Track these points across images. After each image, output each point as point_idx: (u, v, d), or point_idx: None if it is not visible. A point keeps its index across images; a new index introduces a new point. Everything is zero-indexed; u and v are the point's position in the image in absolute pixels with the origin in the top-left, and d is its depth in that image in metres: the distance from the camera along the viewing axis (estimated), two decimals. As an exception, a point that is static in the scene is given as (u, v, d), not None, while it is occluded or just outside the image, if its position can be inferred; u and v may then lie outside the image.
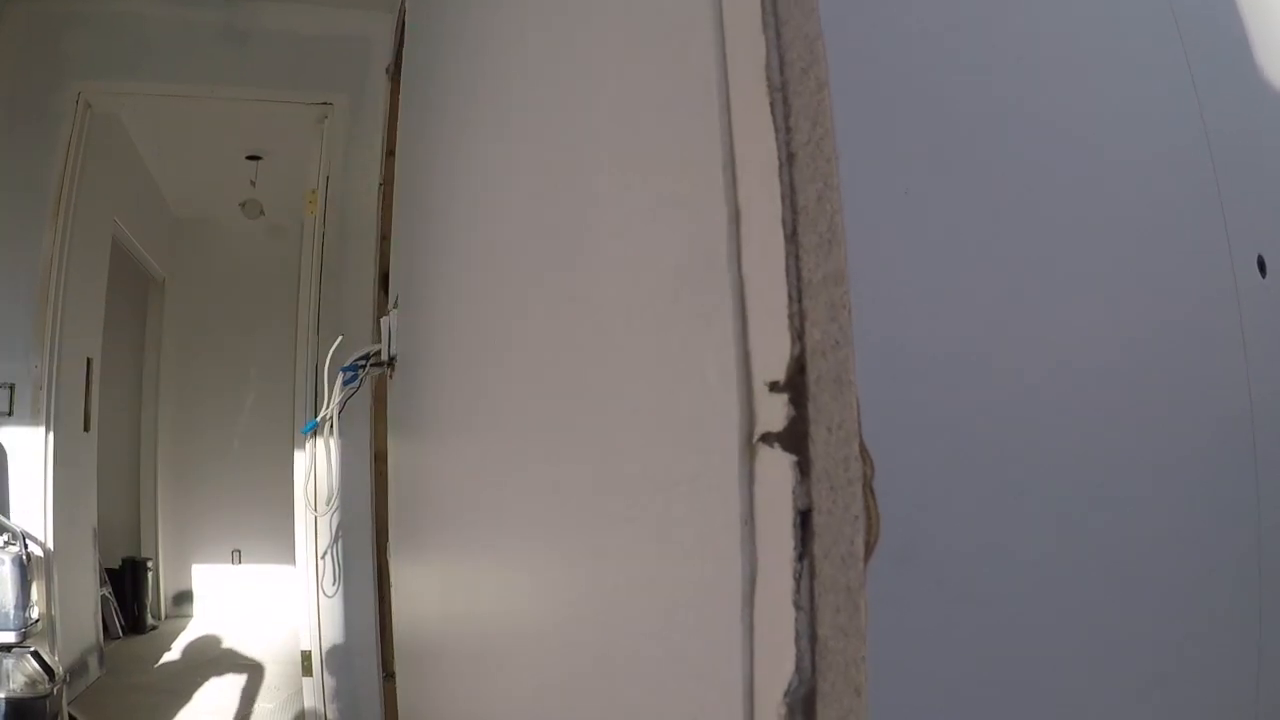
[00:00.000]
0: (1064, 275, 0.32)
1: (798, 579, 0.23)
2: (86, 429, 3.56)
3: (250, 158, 4.51)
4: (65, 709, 2.85)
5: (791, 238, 0.25)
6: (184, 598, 5.53)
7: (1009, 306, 0.30)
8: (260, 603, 5.37)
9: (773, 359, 0.25)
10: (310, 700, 2.98)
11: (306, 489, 2.45)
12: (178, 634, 4.93)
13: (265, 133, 4.18)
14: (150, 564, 5.10)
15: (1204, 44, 0.44)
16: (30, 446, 2.93)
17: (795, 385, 0.25)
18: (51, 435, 2.97)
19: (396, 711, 2.56)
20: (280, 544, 5.30)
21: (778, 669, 0.23)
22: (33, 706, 2.70)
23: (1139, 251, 0.34)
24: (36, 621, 2.78)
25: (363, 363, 1.79)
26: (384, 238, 3.13)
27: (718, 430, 0.26)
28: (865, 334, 0.25)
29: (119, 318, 4.20)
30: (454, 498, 0.90)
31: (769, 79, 0.27)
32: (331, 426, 1.95)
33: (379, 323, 1.79)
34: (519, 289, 0.62)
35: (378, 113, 3.06)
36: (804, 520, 0.23)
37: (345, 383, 1.82)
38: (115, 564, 4.80)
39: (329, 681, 2.96)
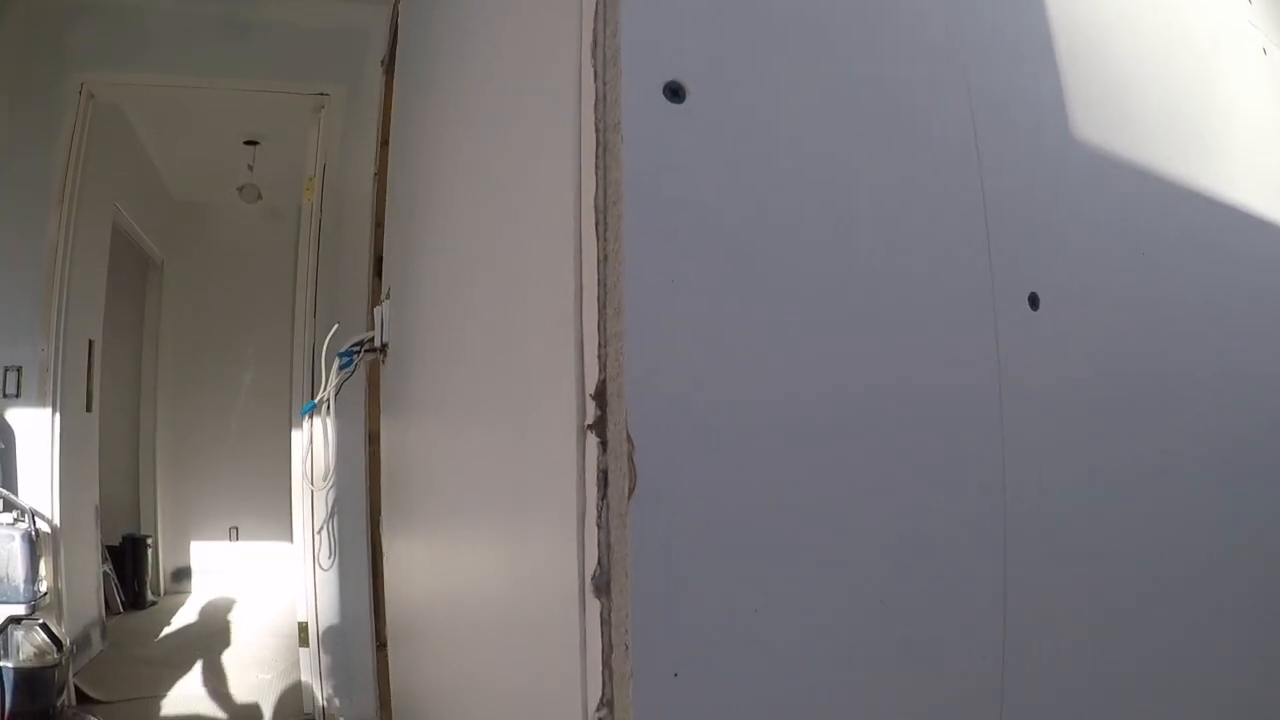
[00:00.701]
0: (795, 321, 0.45)
1: (599, 511, 0.37)
2: (89, 409, 3.68)
3: (248, 143, 4.60)
4: (70, 679, 2.98)
5: (603, 308, 0.38)
6: (183, 574, 5.67)
7: (734, 349, 0.43)
8: (257, 578, 5.51)
9: (591, 380, 0.39)
10: (307, 670, 3.11)
11: (306, 465, 2.57)
12: (177, 609, 5.06)
13: (263, 118, 4.27)
14: (150, 541, 5.23)
15: (990, 110, 0.56)
16: (37, 427, 3.03)
17: (601, 396, 0.38)
18: (57, 416, 3.08)
19: (388, 680, 2.69)
20: (277, 521, 5.44)
21: (592, 563, 0.37)
22: (41, 676, 2.81)
23: (886, 296, 0.47)
24: (44, 595, 2.90)
25: (357, 349, 1.90)
26: (378, 224, 3.20)
27: (567, 421, 0.41)
28: (634, 367, 0.38)
29: (118, 300, 4.29)
30: (426, 476, 1.02)
31: (596, 205, 0.40)
32: (328, 408, 2.06)
33: (373, 311, 1.90)
34: (464, 283, 0.76)
35: (373, 104, 3.15)
36: (604, 477, 0.38)
37: (341, 367, 1.92)
38: (116, 541, 4.91)
39: (325, 651, 3.09)
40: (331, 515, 3.09)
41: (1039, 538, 0.57)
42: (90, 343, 3.63)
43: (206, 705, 3.26)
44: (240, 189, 4.88)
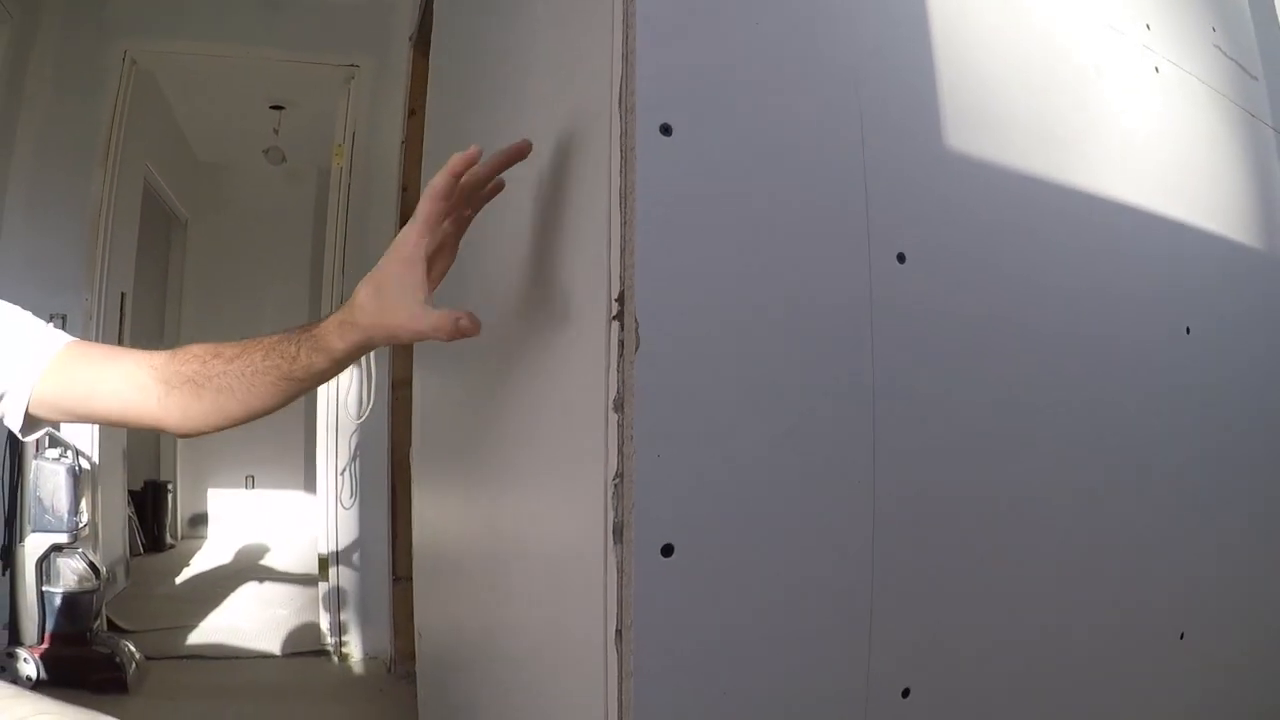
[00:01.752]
0: (746, 253, 0.72)
1: (618, 363, 0.62)
2: (122, 357, 3.87)
3: (274, 107, 4.78)
4: (104, 608, 3.21)
5: (623, 252, 0.63)
6: (199, 520, 5.92)
7: (698, 270, 0.70)
8: (272, 525, 5.75)
9: (615, 291, 0.63)
10: (323, 605, 3.34)
11: (341, 405, 2.78)
12: (194, 553, 5.31)
13: (290, 84, 4.45)
14: (170, 486, 5.47)
15: (874, 110, 0.79)
16: (80, 370, 3.24)
17: (621, 300, 0.62)
18: (98, 361, 3.28)
19: (405, 612, 2.89)
20: (292, 470, 5.67)
21: (613, 392, 0.60)
22: (80, 600, 3.05)
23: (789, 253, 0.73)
24: (84, 526, 3.12)
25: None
26: (404, 189, 3.35)
27: (599, 320, 0.65)
28: (640, 282, 0.61)
29: (146, 255, 4.49)
30: (470, 425, 1.23)
31: (621, 195, 0.65)
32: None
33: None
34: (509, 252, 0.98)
35: (399, 76, 3.32)
36: (620, 344, 0.60)
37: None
38: (138, 486, 5.14)
39: (344, 583, 3.33)
40: (355, 457, 3.30)
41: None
42: (123, 295, 3.84)
43: (227, 635, 3.49)
44: (266, 151, 5.07)
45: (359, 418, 2.70)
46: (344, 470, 3.28)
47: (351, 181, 3.50)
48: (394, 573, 3.02)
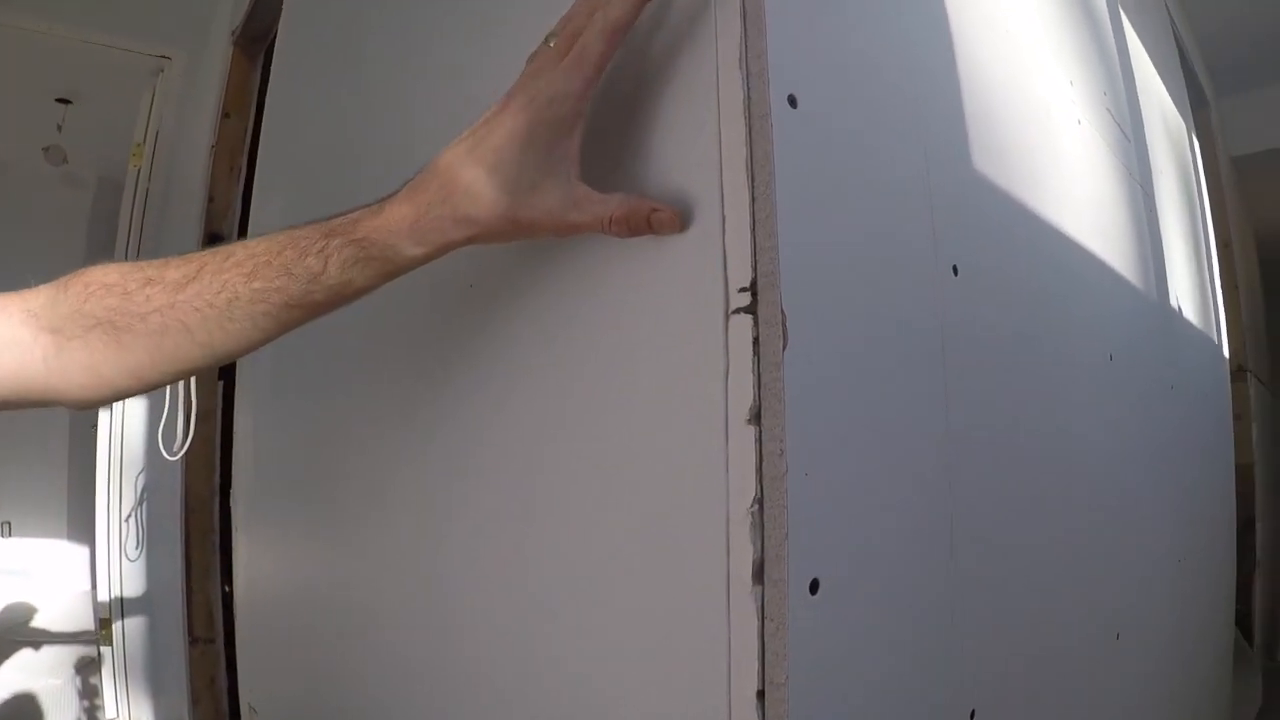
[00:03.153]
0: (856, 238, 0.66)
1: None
2: None
3: (60, 100, 4.22)
4: None
5: (753, 230, 0.57)
6: (-71, 576, 5.05)
7: (832, 250, 0.65)
8: (37, 581, 4.98)
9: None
10: (108, 670, 2.90)
11: (159, 433, 2.41)
12: (-75, 617, 4.51)
13: (83, 74, 3.92)
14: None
15: (935, 152, 0.78)
16: None
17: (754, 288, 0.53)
18: None
19: (207, 677, 2.54)
20: (55, 515, 4.97)
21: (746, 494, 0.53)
22: None
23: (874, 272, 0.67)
24: None
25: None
26: (211, 199, 3.06)
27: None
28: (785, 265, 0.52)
29: None
30: (385, 454, 1.02)
31: (747, 167, 0.58)
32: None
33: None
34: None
35: (216, 73, 3.01)
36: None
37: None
38: None
39: (130, 646, 2.90)
40: (141, 501, 2.89)
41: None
42: None
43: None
44: (46, 149, 4.45)
45: (175, 454, 2.34)
46: (129, 516, 2.86)
47: (150, 186, 3.13)
48: (190, 633, 2.64)
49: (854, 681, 0.58)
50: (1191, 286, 2.14)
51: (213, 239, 2.89)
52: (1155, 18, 2.35)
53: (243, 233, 2.55)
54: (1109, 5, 1.71)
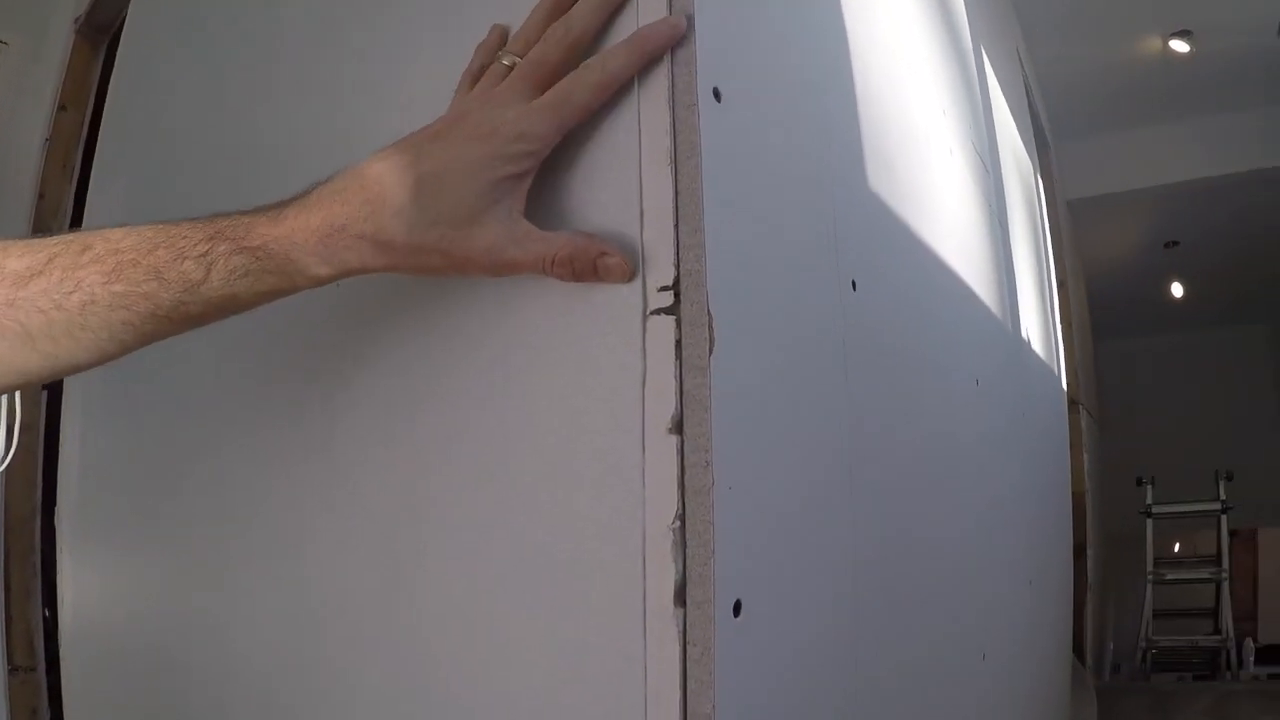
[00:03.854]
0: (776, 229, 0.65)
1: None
2: None
3: None
4: None
5: (677, 226, 0.55)
6: None
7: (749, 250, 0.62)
8: None
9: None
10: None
11: None
12: None
13: None
14: None
15: (839, 171, 0.79)
16: None
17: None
18: None
19: (28, 708, 2.30)
20: None
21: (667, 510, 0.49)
22: None
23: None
24: None
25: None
26: (41, 196, 2.82)
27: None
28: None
29: None
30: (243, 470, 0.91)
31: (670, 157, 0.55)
32: None
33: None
34: None
35: (54, 62, 2.77)
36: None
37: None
38: None
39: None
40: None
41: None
42: None
43: None
44: None
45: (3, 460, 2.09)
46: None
47: (-30, 182, 2.85)
48: (9, 661, 2.39)
49: (775, 712, 0.55)
50: (1038, 319, 2.26)
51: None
52: (1008, 61, 2.49)
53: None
54: (973, 42, 1.79)
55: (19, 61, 2.90)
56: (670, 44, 0.54)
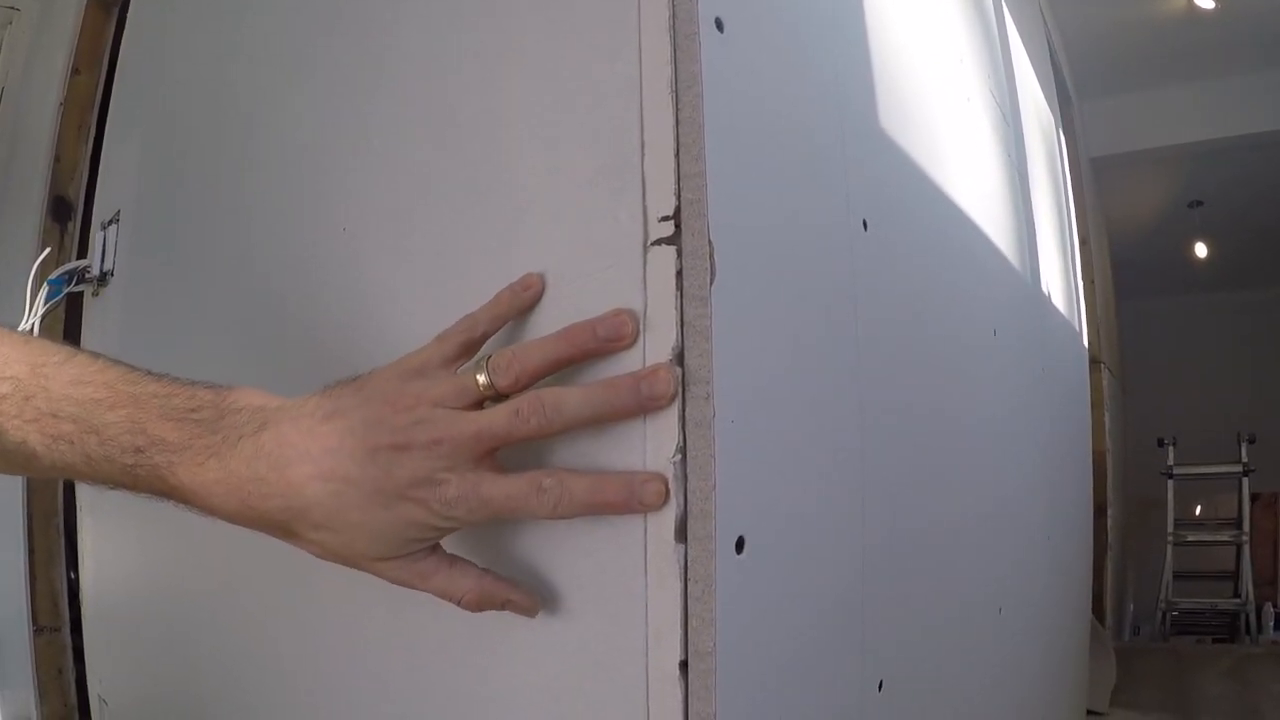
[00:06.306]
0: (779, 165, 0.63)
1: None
2: None
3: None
4: None
5: (678, 155, 0.53)
6: None
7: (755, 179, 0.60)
8: None
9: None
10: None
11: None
12: None
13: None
14: None
15: (852, 118, 0.77)
16: None
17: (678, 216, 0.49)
18: None
19: (55, 668, 2.34)
20: None
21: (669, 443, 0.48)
22: None
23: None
24: None
25: (69, 276, 1.70)
26: (58, 159, 2.83)
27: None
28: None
29: None
30: None
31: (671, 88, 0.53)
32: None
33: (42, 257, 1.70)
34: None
35: (66, 28, 2.76)
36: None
37: (49, 297, 1.71)
38: None
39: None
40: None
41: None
42: None
43: None
44: None
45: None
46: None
47: (-13, 145, 2.86)
48: (35, 621, 2.44)
49: (780, 652, 0.54)
50: (1059, 275, 2.22)
51: (58, 203, 2.67)
52: (1030, 13, 2.43)
53: (90, 193, 2.34)
54: (993, -6, 1.75)
55: (32, 28, 2.90)
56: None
